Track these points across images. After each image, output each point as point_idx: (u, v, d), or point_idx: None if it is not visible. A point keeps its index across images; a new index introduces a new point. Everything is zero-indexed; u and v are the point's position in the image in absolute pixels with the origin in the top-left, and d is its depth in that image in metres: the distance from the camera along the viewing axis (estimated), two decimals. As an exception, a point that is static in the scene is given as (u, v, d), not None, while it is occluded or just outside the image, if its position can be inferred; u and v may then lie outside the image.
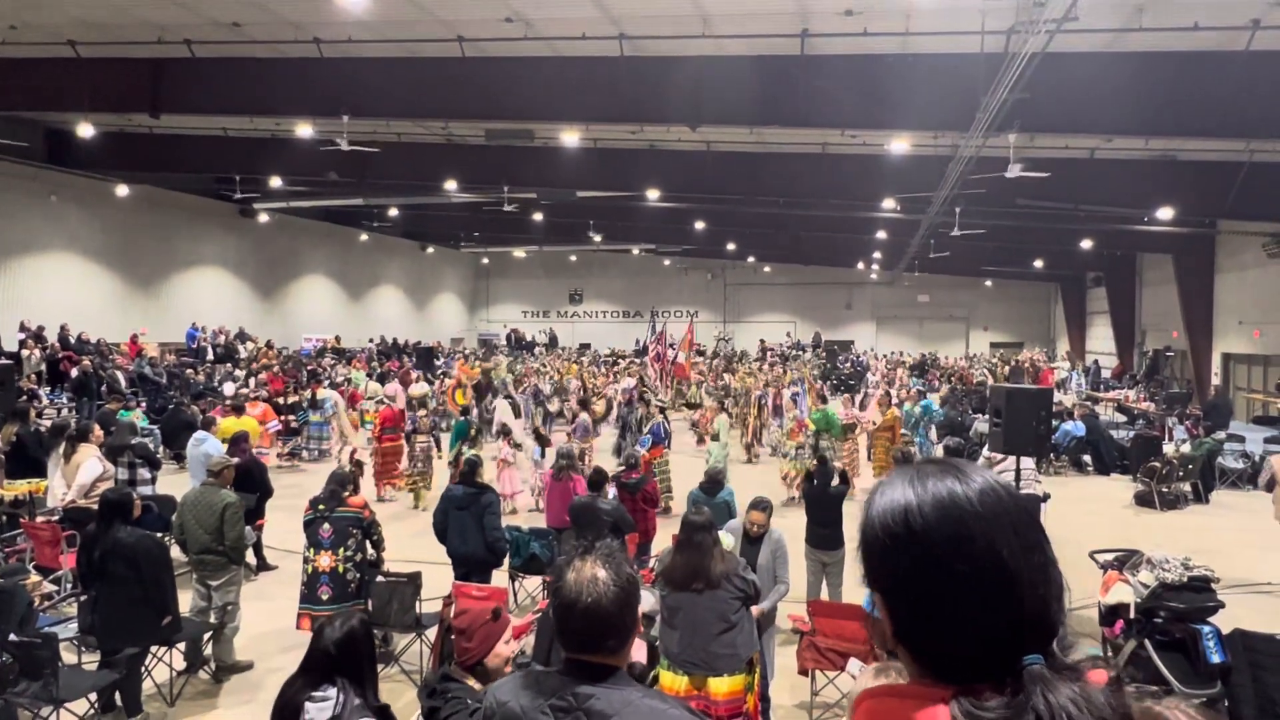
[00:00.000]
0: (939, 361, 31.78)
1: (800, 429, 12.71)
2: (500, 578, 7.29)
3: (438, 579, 6.66)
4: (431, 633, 5.91)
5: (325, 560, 6.01)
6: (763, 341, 35.46)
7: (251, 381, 17.93)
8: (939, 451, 13.01)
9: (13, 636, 5.00)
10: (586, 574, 1.79)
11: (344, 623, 3.21)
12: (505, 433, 11.74)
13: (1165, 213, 17.20)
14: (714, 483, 7.47)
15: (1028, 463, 7.99)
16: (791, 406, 14.70)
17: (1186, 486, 12.71)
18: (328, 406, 15.31)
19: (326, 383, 17.70)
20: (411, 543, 8.88)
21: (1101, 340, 31.93)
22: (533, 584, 7.66)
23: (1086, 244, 24.11)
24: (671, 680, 4.31)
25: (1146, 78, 11.51)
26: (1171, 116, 11.89)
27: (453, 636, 2.99)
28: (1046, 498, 8.09)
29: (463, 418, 12.51)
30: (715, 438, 12.15)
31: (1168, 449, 13.47)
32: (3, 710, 4.47)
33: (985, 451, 8.54)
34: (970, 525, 0.83)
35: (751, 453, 15.68)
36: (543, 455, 11.73)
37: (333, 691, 3.01)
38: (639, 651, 4.70)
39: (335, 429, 15.18)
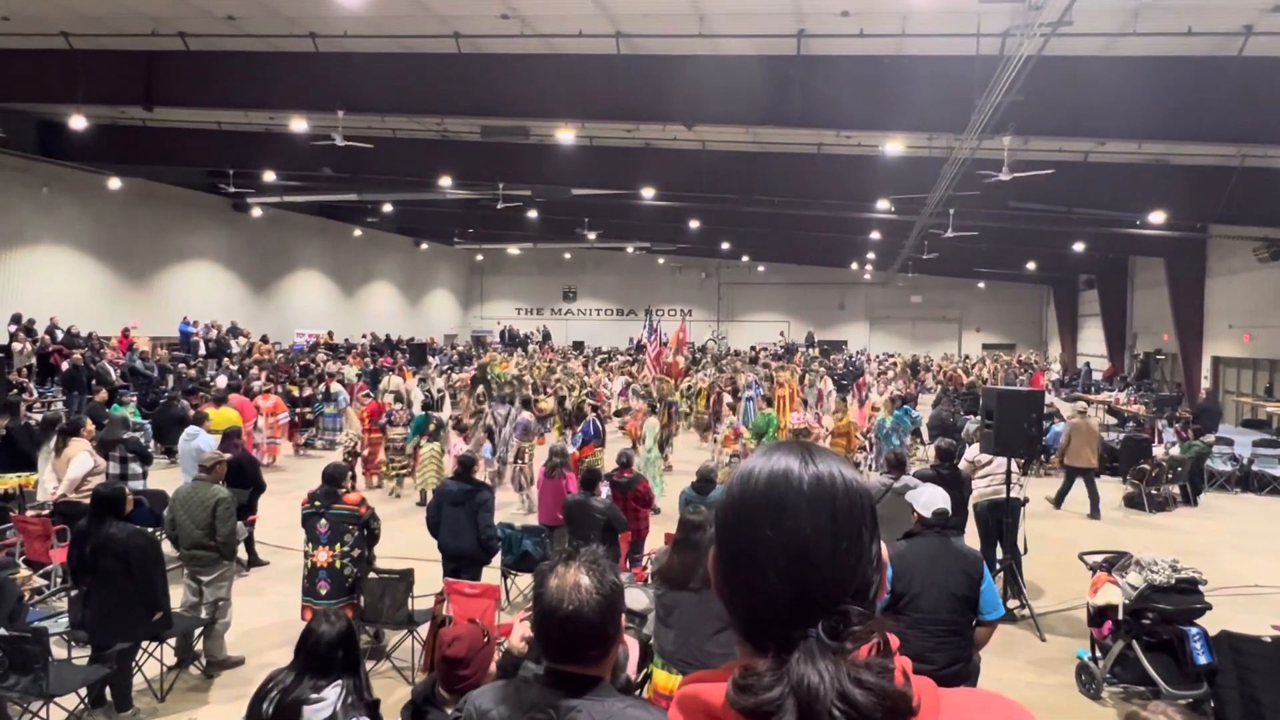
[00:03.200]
0: (930, 362, 31.85)
1: (735, 437, 12.57)
2: (493, 575, 7.30)
3: (428, 574, 6.66)
4: (423, 629, 5.91)
5: (323, 555, 6.03)
6: (753, 348, 35.50)
7: (263, 375, 18.29)
8: (930, 453, 12.93)
9: (3, 631, 4.98)
10: (569, 581, 1.72)
11: (336, 618, 3.20)
12: (460, 428, 11.88)
13: (1157, 216, 17.30)
14: (706, 481, 7.48)
15: (1002, 464, 7.89)
16: (729, 413, 14.40)
17: (1175, 489, 12.79)
18: (340, 399, 16.05)
19: (338, 378, 18.45)
20: (400, 537, 8.87)
21: (1093, 342, 32.11)
22: (525, 581, 7.66)
23: (1079, 247, 24.24)
24: (666, 679, 4.32)
25: (1140, 82, 11.57)
26: (1165, 121, 11.96)
27: (443, 655, 2.95)
28: (1025, 501, 8.09)
29: (424, 412, 12.72)
30: (644, 440, 12.02)
31: (1157, 451, 13.55)
32: (-8, 705, 4.45)
33: (968, 454, 8.51)
34: (788, 500, 0.88)
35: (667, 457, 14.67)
36: (493, 453, 11.80)
37: (329, 692, 2.99)
38: (631, 654, 4.71)
39: (347, 421, 15.69)
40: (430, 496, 11.79)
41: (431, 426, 11.79)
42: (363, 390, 17.50)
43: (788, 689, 0.80)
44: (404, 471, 12.15)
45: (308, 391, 16.43)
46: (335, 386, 16.49)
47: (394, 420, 12.63)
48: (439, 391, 16.56)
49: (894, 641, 0.85)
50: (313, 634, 3.14)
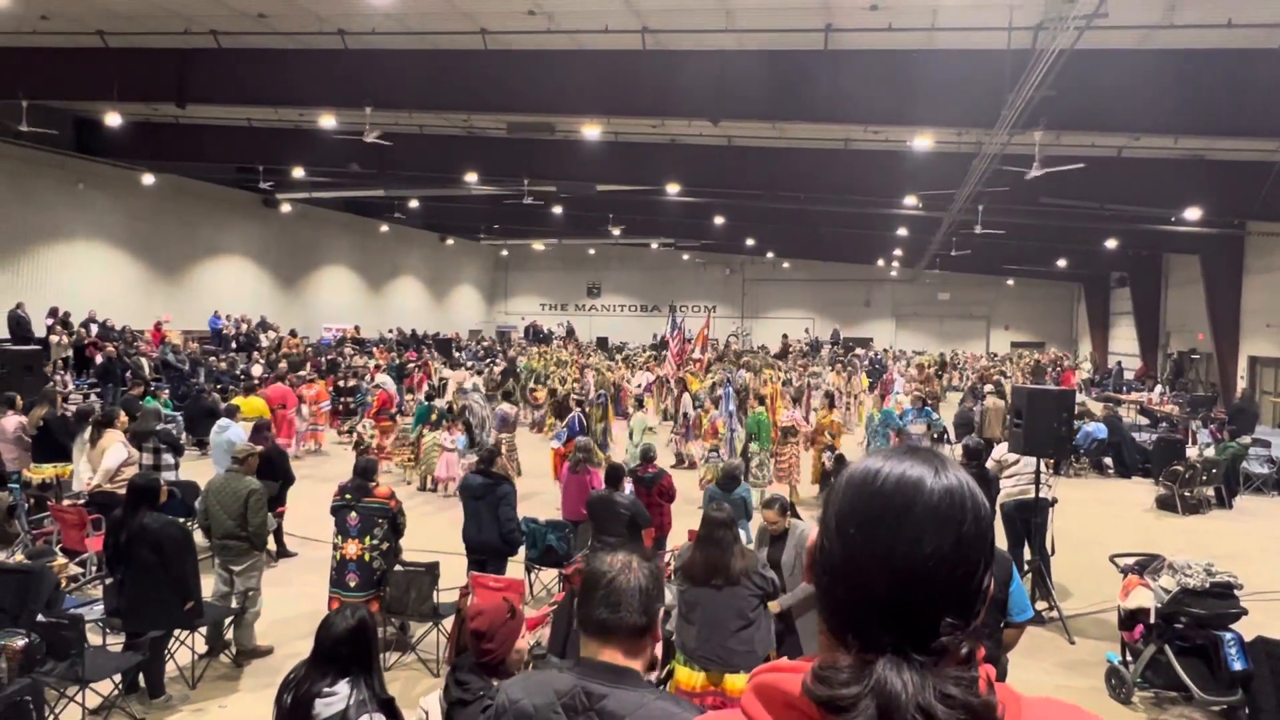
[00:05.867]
0: (959, 360, 31.47)
1: (714, 432, 12.63)
2: (517, 569, 7.34)
3: (453, 568, 6.72)
4: (448, 622, 5.96)
5: (352, 548, 6.09)
6: (785, 336, 35.30)
7: (308, 364, 19.21)
8: (956, 452, 12.75)
9: (40, 617, 5.10)
10: (621, 558, 1.86)
11: (353, 614, 3.20)
12: (452, 419, 12.30)
13: (1193, 213, 16.95)
14: (730, 478, 7.48)
15: (1031, 463, 7.78)
16: (711, 407, 14.38)
17: (1209, 491, 12.54)
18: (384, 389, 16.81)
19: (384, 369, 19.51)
20: (425, 531, 8.96)
21: (1125, 341, 31.55)
22: (549, 576, 7.70)
23: (1111, 244, 23.82)
24: (688, 676, 4.32)
25: (1177, 75, 11.33)
26: (1202, 115, 11.70)
27: (473, 637, 2.97)
28: (1054, 501, 7.96)
29: (426, 402, 13.22)
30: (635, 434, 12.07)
31: (1191, 453, 13.29)
32: (30, 688, 4.56)
33: (995, 453, 8.38)
34: (914, 513, 0.86)
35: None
36: (468, 446, 11.96)
37: (341, 686, 2.99)
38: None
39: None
40: (430, 484, 12.08)
41: (433, 416, 12.33)
42: (421, 383, 18.27)
43: (867, 690, 0.79)
44: (409, 462, 12.72)
45: (352, 382, 17.25)
46: (380, 377, 17.31)
47: (405, 410, 13.30)
48: (441, 380, 17.17)
49: (979, 651, 0.84)
50: (326, 627, 3.14)
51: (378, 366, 19.73)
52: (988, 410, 14.75)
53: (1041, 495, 7.64)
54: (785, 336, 35.01)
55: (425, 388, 17.41)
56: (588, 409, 13.70)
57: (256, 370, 18.09)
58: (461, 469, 11.75)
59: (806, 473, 11.95)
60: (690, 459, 14.25)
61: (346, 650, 3.06)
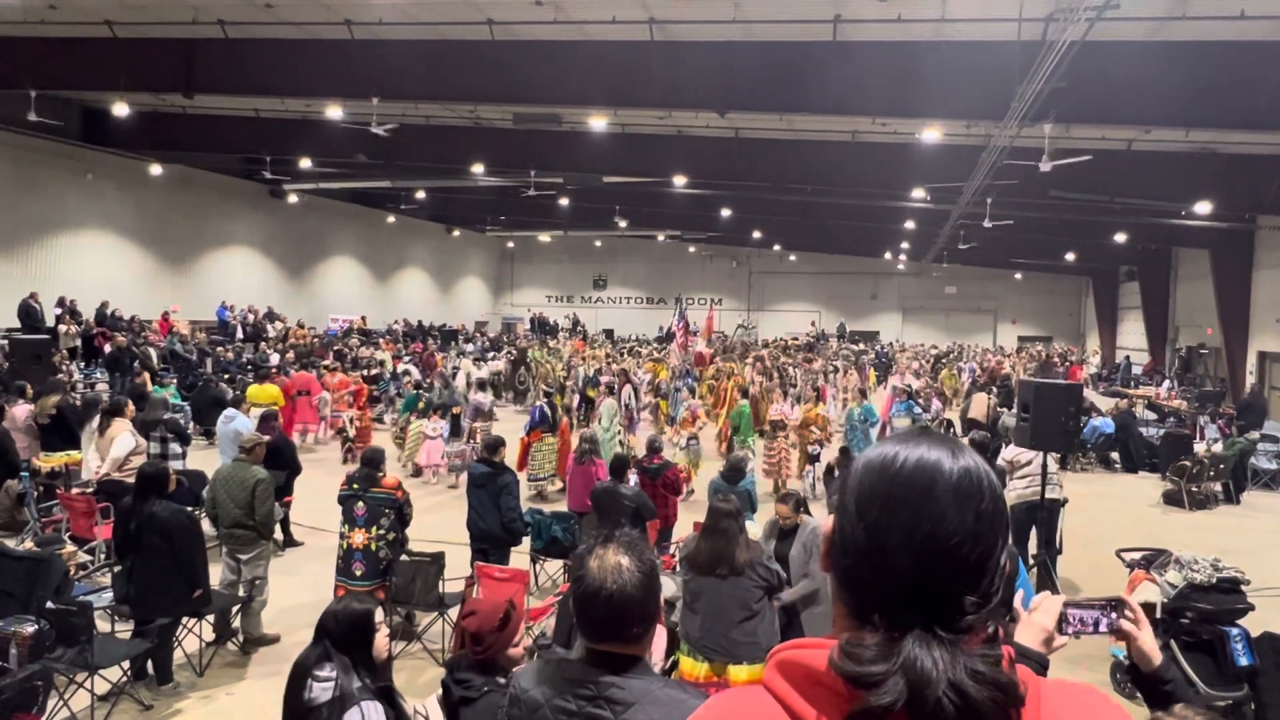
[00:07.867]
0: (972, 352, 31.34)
1: (693, 421, 12.65)
2: (522, 560, 7.36)
3: (459, 558, 6.74)
4: (453, 612, 5.99)
5: (359, 537, 6.11)
6: (785, 338, 35.20)
7: (329, 355, 19.82)
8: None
9: (50, 604, 5.14)
10: (610, 562, 1.77)
11: (351, 603, 3.20)
12: (438, 408, 12.45)
13: (1203, 207, 16.83)
14: (735, 470, 7.47)
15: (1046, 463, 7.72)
16: (687, 396, 14.49)
17: (1217, 486, 12.49)
18: (403, 379, 17.25)
19: (407, 358, 20.40)
20: (431, 521, 8.98)
21: (1133, 335, 31.41)
22: (554, 567, 7.72)
23: (1120, 237, 23.69)
24: (691, 666, 4.34)
25: (1189, 68, 11.23)
26: (1214, 108, 11.60)
27: (464, 635, 2.98)
28: (1064, 501, 7.91)
29: (415, 390, 13.52)
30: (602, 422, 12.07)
31: (1199, 448, 13.24)
32: (40, 674, 4.60)
33: (1005, 453, 8.32)
34: (936, 493, 0.88)
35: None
36: (449, 433, 12.03)
37: (335, 673, 2.99)
38: (659, 641, 4.73)
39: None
40: (414, 469, 12.17)
41: (421, 404, 12.59)
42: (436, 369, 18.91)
43: (896, 668, 0.81)
44: (397, 443, 13.01)
45: (374, 371, 17.78)
46: (402, 366, 17.92)
47: (403, 392, 13.73)
48: (453, 370, 17.54)
49: (1000, 630, 0.87)
50: (325, 616, 3.15)
51: (398, 357, 20.40)
52: (976, 400, 16.09)
53: (1052, 496, 7.61)
54: (785, 338, 34.89)
55: (436, 377, 17.58)
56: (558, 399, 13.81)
57: (275, 359, 18.59)
58: (444, 457, 11.87)
59: (795, 467, 11.90)
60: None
61: (341, 638, 3.08)
